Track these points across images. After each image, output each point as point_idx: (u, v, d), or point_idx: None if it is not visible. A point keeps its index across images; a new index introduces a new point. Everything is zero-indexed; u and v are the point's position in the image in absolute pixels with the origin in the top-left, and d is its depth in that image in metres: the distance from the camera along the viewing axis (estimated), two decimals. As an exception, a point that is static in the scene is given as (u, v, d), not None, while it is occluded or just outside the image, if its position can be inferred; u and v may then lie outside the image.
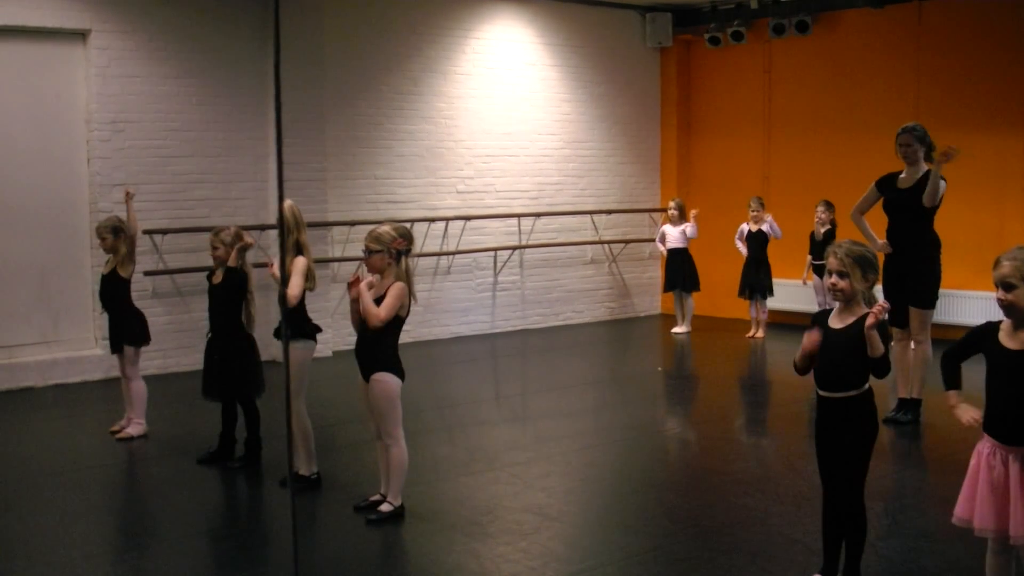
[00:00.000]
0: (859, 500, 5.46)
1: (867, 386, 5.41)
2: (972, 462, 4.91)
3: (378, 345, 6.79)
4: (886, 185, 9.43)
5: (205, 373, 8.36)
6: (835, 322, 5.46)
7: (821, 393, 5.48)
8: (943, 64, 14.07)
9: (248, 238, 8.40)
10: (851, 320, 5.39)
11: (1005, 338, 4.80)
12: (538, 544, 6.48)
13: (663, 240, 15.01)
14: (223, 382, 8.24)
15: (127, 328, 9.05)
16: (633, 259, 16.66)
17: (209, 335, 8.37)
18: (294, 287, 7.35)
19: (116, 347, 9.12)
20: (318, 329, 7.76)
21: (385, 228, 6.87)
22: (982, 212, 13.54)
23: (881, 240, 9.41)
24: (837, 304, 5.50)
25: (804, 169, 15.49)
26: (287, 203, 7.56)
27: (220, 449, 8.36)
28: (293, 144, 12.53)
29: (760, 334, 14.36)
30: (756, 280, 14.29)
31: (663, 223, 15.37)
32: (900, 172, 9.40)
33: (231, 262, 8.23)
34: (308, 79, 12.78)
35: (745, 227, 14.37)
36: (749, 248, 14.29)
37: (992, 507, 4.79)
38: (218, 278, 8.29)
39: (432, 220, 14.15)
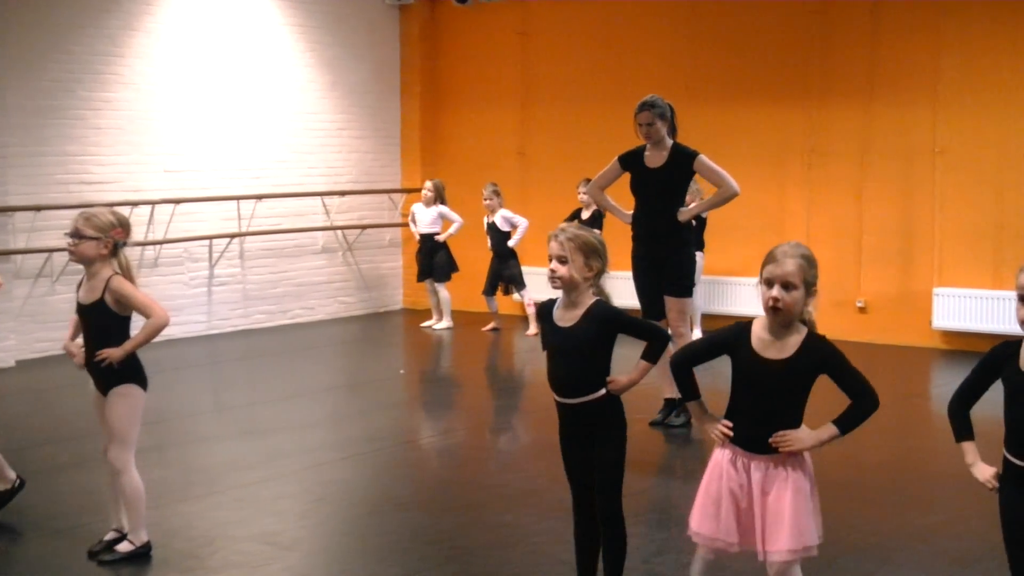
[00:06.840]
0: (618, 511, 5.57)
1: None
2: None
3: None
4: (631, 162, 9.38)
5: None
6: (562, 319, 5.54)
7: (559, 400, 5.60)
8: (719, 33, 14.44)
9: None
10: (578, 315, 5.48)
11: None
12: (270, 578, 6.46)
13: (414, 221, 15.07)
14: None
15: None
16: (372, 247, 16.69)
17: None
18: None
19: None
20: None
21: (103, 211, 6.58)
22: (762, 192, 13.75)
23: (628, 211, 9.51)
24: (561, 294, 5.59)
25: (564, 144, 15.75)
26: None
27: None
28: (-36, 114, 12.08)
29: (532, 331, 14.43)
30: (506, 273, 14.47)
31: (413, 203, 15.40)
32: (644, 148, 9.32)
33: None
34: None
35: (486, 218, 14.62)
36: (491, 240, 14.49)
37: None
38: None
39: (136, 204, 13.75)
